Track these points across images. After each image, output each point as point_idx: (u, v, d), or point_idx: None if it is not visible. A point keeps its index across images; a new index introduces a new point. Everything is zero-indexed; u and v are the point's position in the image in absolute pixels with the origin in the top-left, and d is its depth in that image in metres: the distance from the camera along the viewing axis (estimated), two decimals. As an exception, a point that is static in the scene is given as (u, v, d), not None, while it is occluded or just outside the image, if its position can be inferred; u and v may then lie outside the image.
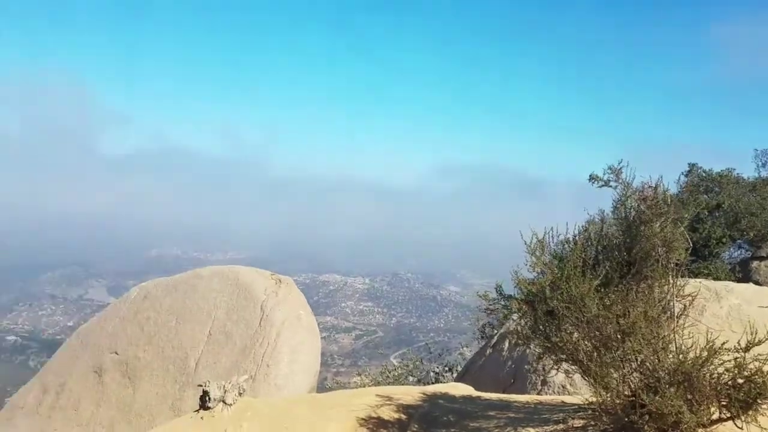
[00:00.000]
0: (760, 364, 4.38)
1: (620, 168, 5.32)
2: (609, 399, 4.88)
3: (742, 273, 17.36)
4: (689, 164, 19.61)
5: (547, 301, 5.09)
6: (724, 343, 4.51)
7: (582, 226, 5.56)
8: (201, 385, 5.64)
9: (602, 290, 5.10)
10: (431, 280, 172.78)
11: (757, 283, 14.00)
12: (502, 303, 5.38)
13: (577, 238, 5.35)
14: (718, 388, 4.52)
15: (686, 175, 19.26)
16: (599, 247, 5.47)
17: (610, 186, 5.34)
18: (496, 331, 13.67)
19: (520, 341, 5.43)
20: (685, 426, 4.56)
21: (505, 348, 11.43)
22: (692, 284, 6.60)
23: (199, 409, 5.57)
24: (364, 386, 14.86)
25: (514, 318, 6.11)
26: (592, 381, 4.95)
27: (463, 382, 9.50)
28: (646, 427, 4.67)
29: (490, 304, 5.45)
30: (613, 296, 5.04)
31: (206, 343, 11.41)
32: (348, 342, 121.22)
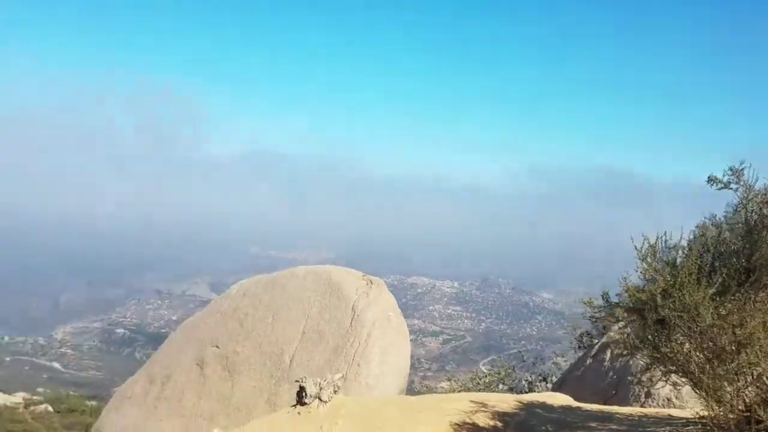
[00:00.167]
0: None
1: (742, 169, 4.98)
2: (722, 413, 4.63)
3: None
4: None
5: (657, 310, 4.84)
6: None
7: (696, 231, 5.24)
8: (298, 381, 5.74)
9: (718, 299, 4.83)
10: (523, 285, 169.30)
11: None
12: (608, 310, 5.13)
13: (691, 244, 5.03)
14: None
15: None
16: (715, 254, 5.15)
17: (731, 188, 5.00)
18: (596, 341, 13.12)
19: (626, 351, 5.16)
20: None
21: (607, 358, 10.98)
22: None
23: (296, 405, 5.68)
24: (453, 391, 14.71)
25: (618, 327, 5.84)
26: (704, 394, 4.72)
27: (560, 392, 9.18)
28: (761, 443, 4.38)
29: (595, 312, 5.21)
30: (730, 305, 4.77)
31: (300, 340, 11.65)
32: (435, 346, 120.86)
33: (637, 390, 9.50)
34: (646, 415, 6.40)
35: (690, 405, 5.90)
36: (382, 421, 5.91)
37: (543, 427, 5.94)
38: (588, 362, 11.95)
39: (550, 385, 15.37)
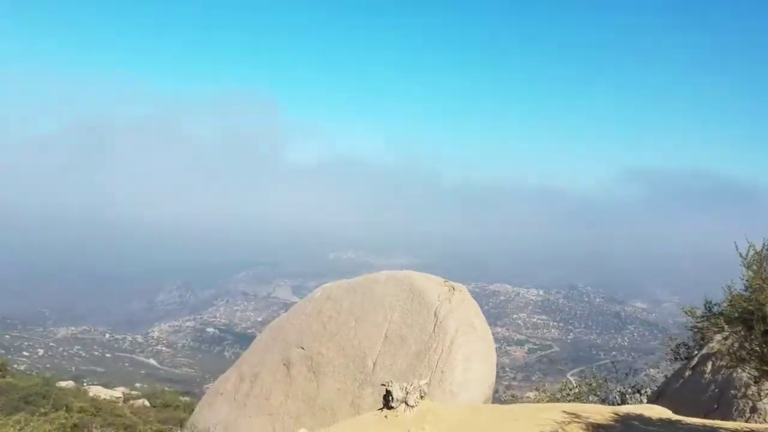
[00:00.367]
0: None
1: None
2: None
3: None
4: None
5: (766, 320, 4.49)
6: None
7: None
8: (384, 385, 5.75)
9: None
10: (613, 294, 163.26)
11: None
12: (711, 321, 4.81)
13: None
14: None
15: None
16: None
17: None
18: (695, 352, 12.39)
19: (731, 363, 4.82)
20: None
21: (708, 370, 10.33)
22: None
23: (383, 408, 5.69)
24: (541, 402, 14.29)
25: (720, 338, 5.48)
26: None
27: (657, 405, 8.73)
28: None
29: (698, 322, 4.90)
30: None
31: (382, 344, 11.68)
32: (520, 355, 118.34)
33: (741, 404, 8.86)
34: (753, 431, 5.97)
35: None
36: (473, 429, 5.82)
37: (640, 441, 5.66)
38: (687, 374, 11.29)
39: (644, 398, 14.66)
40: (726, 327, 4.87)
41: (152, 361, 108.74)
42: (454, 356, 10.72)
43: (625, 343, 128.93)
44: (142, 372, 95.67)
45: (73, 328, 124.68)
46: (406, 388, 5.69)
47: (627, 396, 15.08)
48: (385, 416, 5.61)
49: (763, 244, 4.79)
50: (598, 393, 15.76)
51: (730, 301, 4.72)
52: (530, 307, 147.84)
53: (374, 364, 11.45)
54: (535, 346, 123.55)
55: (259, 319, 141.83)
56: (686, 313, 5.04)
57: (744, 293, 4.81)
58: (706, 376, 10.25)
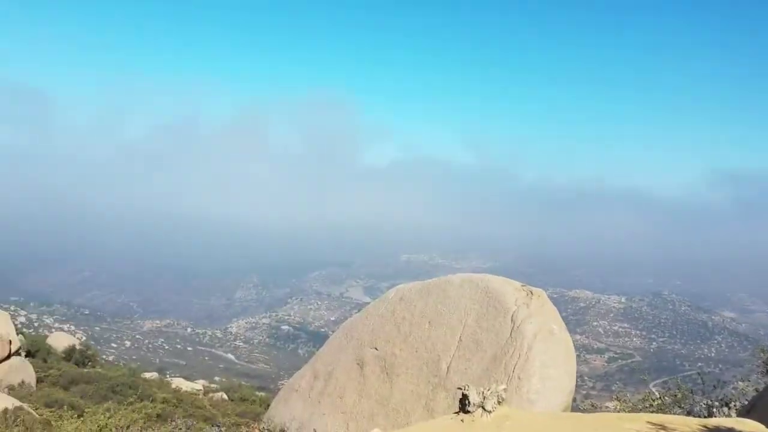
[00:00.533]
0: None
1: None
2: None
3: None
4: None
5: None
6: None
7: None
8: (461, 389, 5.63)
9: None
10: (700, 303, 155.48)
11: None
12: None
13: None
14: None
15: None
16: None
17: None
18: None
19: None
20: None
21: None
22: None
23: (459, 412, 5.57)
24: (622, 412, 13.71)
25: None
26: None
27: (749, 419, 8.14)
28: None
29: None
30: None
31: (457, 348, 11.50)
32: (600, 364, 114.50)
33: None
34: None
35: None
36: (552, 436, 5.60)
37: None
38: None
39: (733, 412, 13.82)
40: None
41: (230, 356, 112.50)
42: (532, 363, 10.42)
43: (712, 354, 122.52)
44: (221, 366, 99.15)
45: (158, 322, 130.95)
46: (483, 393, 5.54)
47: (714, 409, 14.25)
48: (461, 420, 5.48)
49: None
50: (683, 405, 14.97)
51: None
52: (611, 315, 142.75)
53: (448, 367, 11.29)
54: (616, 355, 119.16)
55: (332, 319, 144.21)
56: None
57: None
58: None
